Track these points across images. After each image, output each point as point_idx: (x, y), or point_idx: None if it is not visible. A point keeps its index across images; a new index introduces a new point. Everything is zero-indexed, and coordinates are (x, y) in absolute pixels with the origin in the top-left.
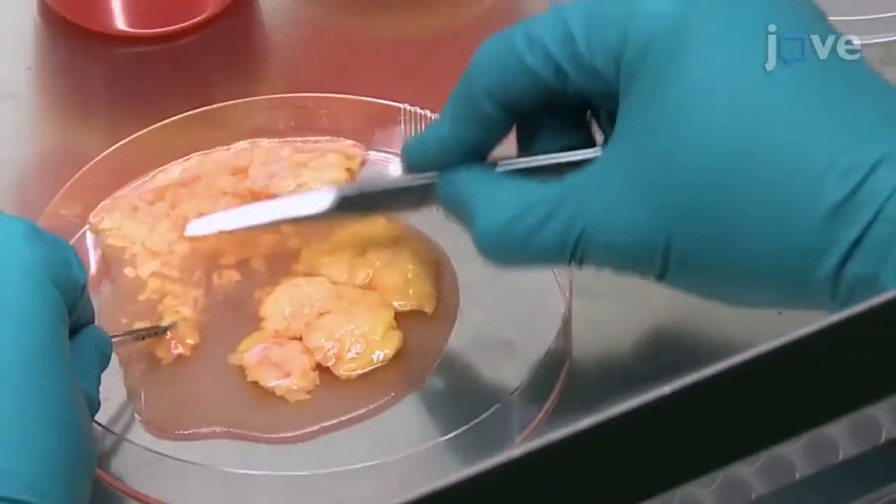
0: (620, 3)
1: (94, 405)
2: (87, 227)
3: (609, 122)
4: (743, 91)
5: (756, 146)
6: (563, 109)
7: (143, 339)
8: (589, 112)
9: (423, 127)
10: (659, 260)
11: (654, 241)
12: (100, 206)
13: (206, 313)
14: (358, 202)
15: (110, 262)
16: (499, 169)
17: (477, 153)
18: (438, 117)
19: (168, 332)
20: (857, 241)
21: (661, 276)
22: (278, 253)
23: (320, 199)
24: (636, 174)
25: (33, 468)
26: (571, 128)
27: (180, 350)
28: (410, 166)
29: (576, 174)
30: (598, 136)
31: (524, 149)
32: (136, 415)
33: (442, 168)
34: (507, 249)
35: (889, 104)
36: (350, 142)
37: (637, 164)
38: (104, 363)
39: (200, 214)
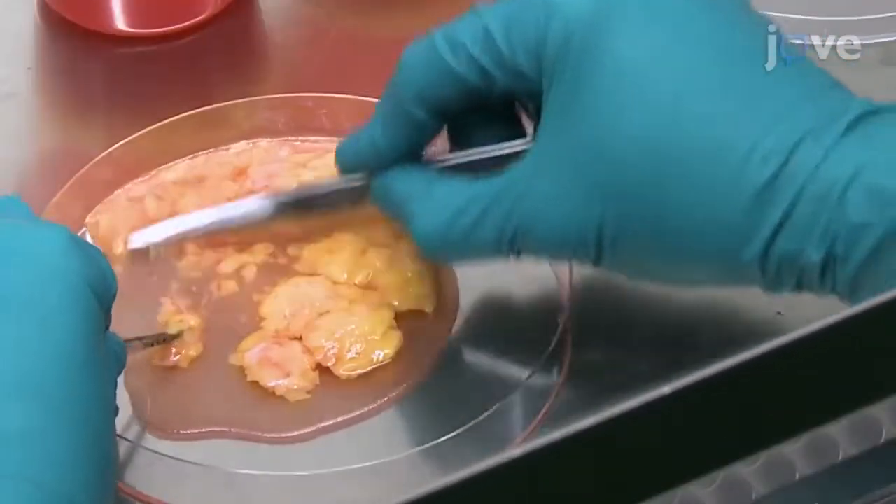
0: (537, 2)
1: (114, 411)
2: (84, 228)
3: (536, 113)
4: (663, 78)
5: (678, 132)
6: (491, 105)
7: (152, 345)
8: (517, 104)
9: None
10: (593, 245)
11: (587, 227)
12: (96, 208)
13: (206, 314)
14: (294, 206)
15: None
16: (433, 167)
17: (409, 153)
18: (370, 120)
19: (175, 340)
20: (782, 222)
21: (596, 261)
22: (278, 253)
23: (258, 205)
24: (565, 165)
25: (71, 481)
26: (501, 120)
27: (177, 359)
28: (345, 168)
29: (506, 170)
30: (528, 127)
31: (456, 144)
32: (136, 415)
33: (376, 169)
34: (446, 248)
35: (810, 81)
36: None
37: (565, 155)
38: (120, 368)
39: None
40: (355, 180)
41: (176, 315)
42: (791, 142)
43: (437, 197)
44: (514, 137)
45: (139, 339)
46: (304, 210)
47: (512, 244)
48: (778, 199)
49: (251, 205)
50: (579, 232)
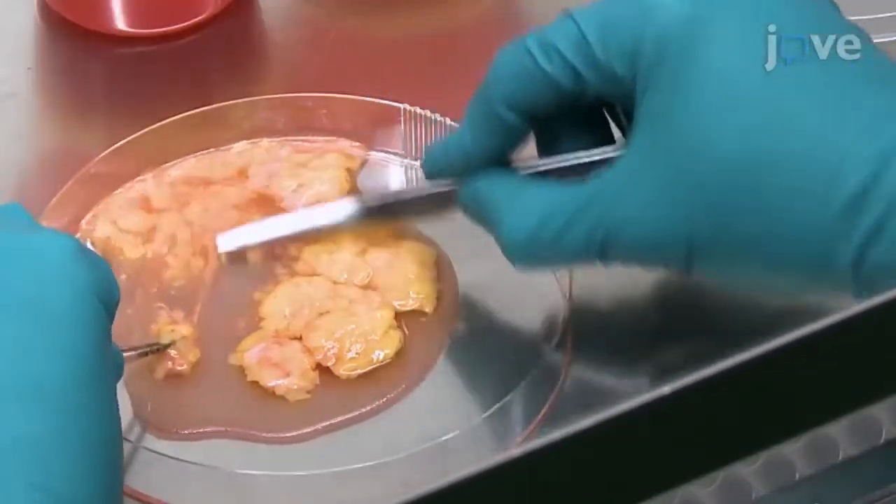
0: (632, 5)
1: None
2: (80, 228)
3: (626, 118)
4: (761, 87)
5: (774, 139)
6: (579, 109)
7: (146, 354)
8: (605, 110)
9: (423, 127)
10: (684, 254)
11: (680, 236)
12: (92, 210)
13: (206, 314)
14: (380, 211)
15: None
16: (521, 173)
17: (498, 159)
18: (458, 126)
19: (169, 349)
20: (877, 230)
21: (687, 269)
22: (278, 253)
23: (343, 209)
24: (660, 172)
25: (82, 488)
26: (589, 126)
27: (183, 367)
28: (432, 174)
29: (598, 175)
30: (616, 133)
31: (544, 150)
32: (136, 415)
33: (464, 175)
34: (534, 254)
35: None
36: (350, 142)
37: (660, 162)
38: (119, 375)
39: (213, 224)
40: (442, 186)
41: (168, 325)
42: (886, 148)
43: (524, 203)
44: (602, 142)
45: (133, 348)
46: (390, 215)
47: (601, 251)
48: (871, 207)
49: (338, 209)
50: (671, 239)
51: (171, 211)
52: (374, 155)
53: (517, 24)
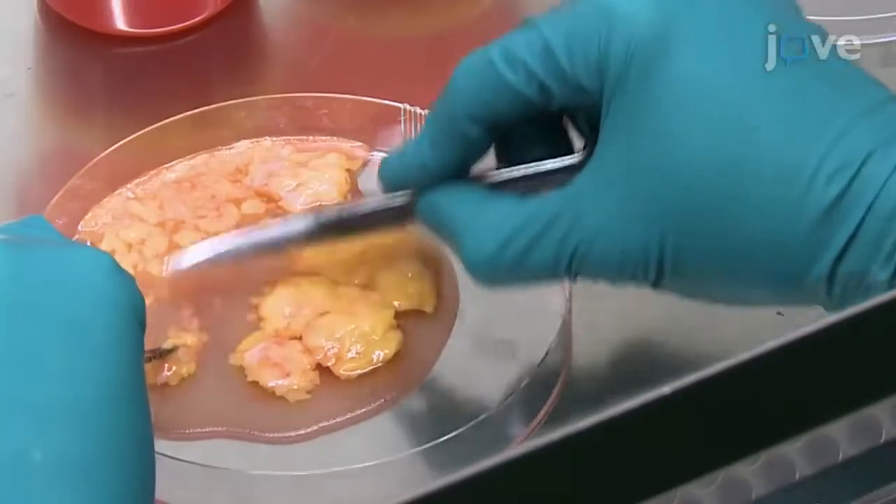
0: (598, 15)
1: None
2: (79, 230)
3: (588, 127)
4: (730, 96)
5: (745, 151)
6: (539, 118)
7: (149, 360)
8: (564, 118)
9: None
10: (654, 268)
11: (649, 248)
12: (91, 211)
13: (206, 314)
14: (336, 226)
15: None
16: (480, 184)
17: (457, 171)
18: (417, 137)
19: (170, 356)
20: (849, 241)
21: (656, 283)
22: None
23: (298, 224)
24: (626, 184)
25: None
26: (549, 135)
27: (169, 377)
28: (389, 186)
29: (561, 189)
30: (576, 141)
31: (503, 159)
32: None
33: (422, 187)
34: (498, 274)
35: (872, 99)
36: (350, 142)
37: (626, 173)
38: None
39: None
40: (399, 199)
41: (177, 330)
42: (857, 159)
43: (487, 221)
44: (562, 150)
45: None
46: (346, 230)
47: (569, 267)
48: (845, 218)
49: (290, 223)
50: (640, 252)
51: (170, 211)
52: (375, 155)
53: (516, 24)
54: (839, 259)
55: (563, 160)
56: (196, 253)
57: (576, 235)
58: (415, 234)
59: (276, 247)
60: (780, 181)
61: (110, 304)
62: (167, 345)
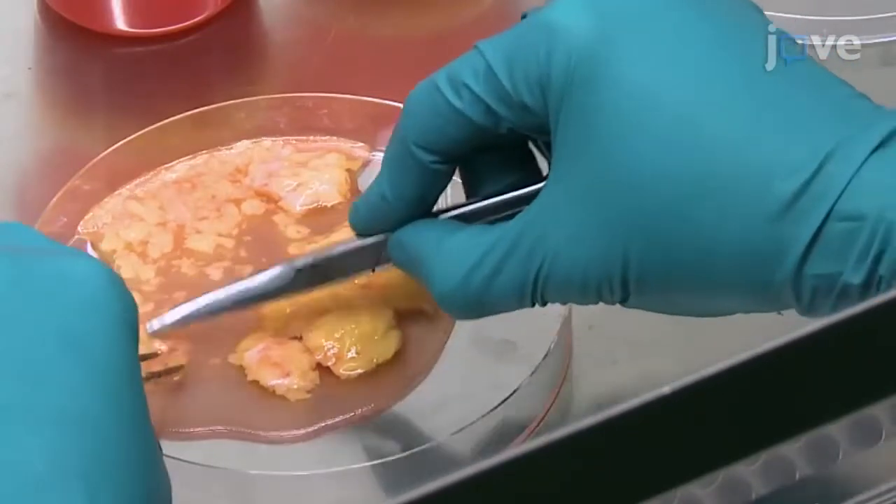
0: (537, 33)
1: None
2: (79, 231)
3: (549, 150)
4: (673, 99)
5: (694, 152)
6: (502, 147)
7: (159, 376)
8: (530, 143)
9: None
10: (619, 282)
11: (612, 263)
12: (91, 211)
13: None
14: (313, 272)
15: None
16: (446, 220)
17: (422, 207)
18: (377, 178)
19: (175, 373)
20: (813, 240)
21: (623, 299)
22: (278, 253)
23: (274, 275)
24: (582, 200)
25: None
26: (516, 163)
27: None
28: (360, 230)
29: (519, 215)
30: (544, 167)
31: (471, 193)
32: None
33: (391, 228)
34: (469, 302)
35: (833, 96)
36: (350, 142)
37: (581, 189)
38: None
39: (200, 218)
40: (370, 240)
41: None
42: (817, 156)
43: (451, 250)
44: (530, 178)
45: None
46: (323, 276)
47: (534, 291)
48: (806, 216)
49: (267, 275)
50: (604, 269)
51: (170, 211)
52: (375, 155)
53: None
54: (803, 260)
55: (531, 189)
56: (177, 312)
57: (539, 255)
58: None
59: (255, 300)
60: (737, 179)
61: (104, 311)
62: (173, 362)
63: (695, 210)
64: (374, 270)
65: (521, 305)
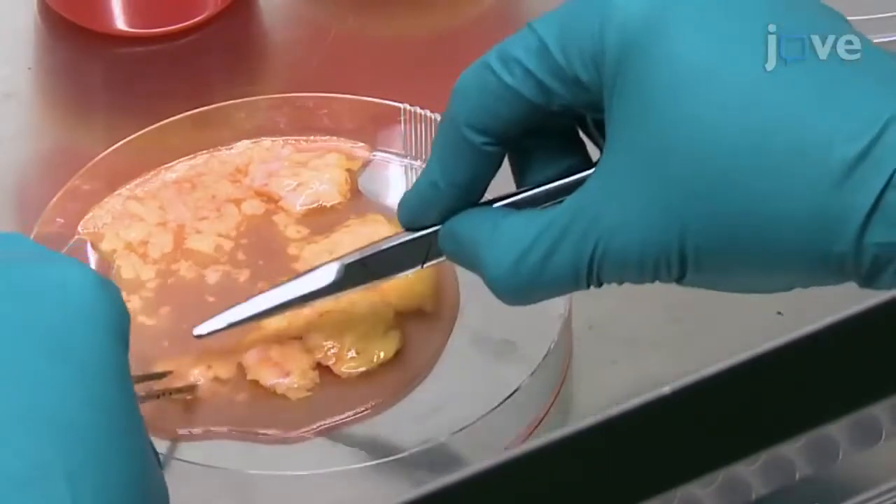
0: (590, 8)
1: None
2: (79, 231)
3: (599, 132)
4: (731, 73)
5: (753, 122)
6: (552, 131)
7: (170, 395)
8: (580, 130)
9: (423, 127)
10: (676, 261)
11: (669, 240)
12: (91, 212)
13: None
14: (362, 270)
15: (105, 266)
16: (497, 207)
17: (473, 194)
18: (425, 168)
19: (190, 394)
20: (874, 208)
21: (680, 277)
22: (278, 253)
23: (324, 273)
24: (638, 177)
25: None
26: (566, 149)
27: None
28: (408, 222)
29: (574, 193)
30: (595, 155)
31: (521, 181)
32: None
33: (441, 218)
34: (522, 286)
35: (887, 68)
36: (350, 142)
37: (637, 166)
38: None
39: (200, 219)
40: (420, 234)
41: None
42: (877, 123)
43: (503, 235)
44: (580, 165)
45: (151, 394)
46: (372, 273)
47: (590, 270)
48: (867, 182)
49: (316, 276)
50: (662, 245)
51: (170, 211)
52: (375, 155)
53: (517, 24)
54: (864, 228)
55: (579, 175)
56: (225, 317)
57: (593, 235)
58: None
59: (303, 301)
60: (796, 150)
61: (94, 318)
62: (187, 382)
63: (756, 179)
64: (423, 266)
65: (575, 287)
